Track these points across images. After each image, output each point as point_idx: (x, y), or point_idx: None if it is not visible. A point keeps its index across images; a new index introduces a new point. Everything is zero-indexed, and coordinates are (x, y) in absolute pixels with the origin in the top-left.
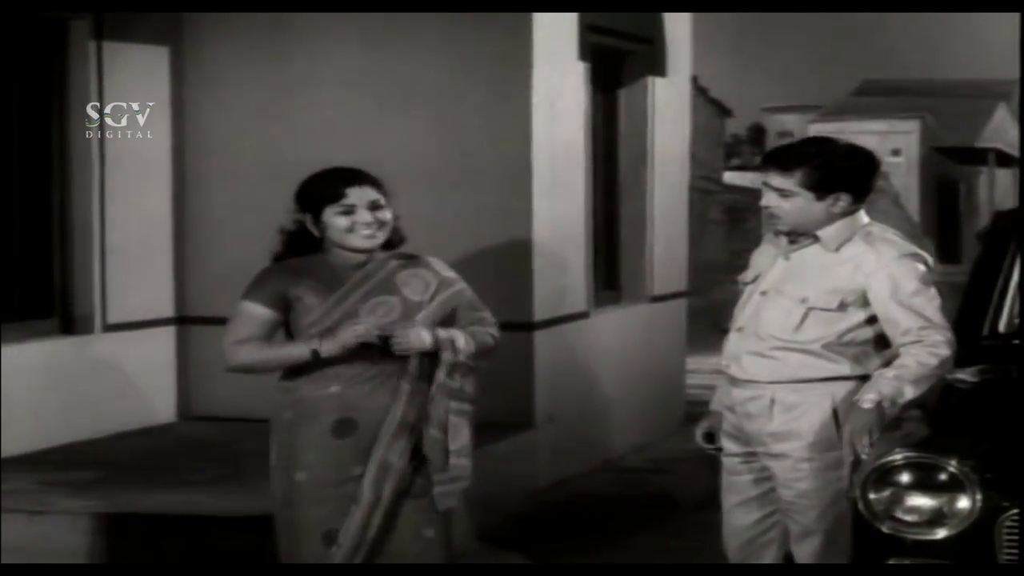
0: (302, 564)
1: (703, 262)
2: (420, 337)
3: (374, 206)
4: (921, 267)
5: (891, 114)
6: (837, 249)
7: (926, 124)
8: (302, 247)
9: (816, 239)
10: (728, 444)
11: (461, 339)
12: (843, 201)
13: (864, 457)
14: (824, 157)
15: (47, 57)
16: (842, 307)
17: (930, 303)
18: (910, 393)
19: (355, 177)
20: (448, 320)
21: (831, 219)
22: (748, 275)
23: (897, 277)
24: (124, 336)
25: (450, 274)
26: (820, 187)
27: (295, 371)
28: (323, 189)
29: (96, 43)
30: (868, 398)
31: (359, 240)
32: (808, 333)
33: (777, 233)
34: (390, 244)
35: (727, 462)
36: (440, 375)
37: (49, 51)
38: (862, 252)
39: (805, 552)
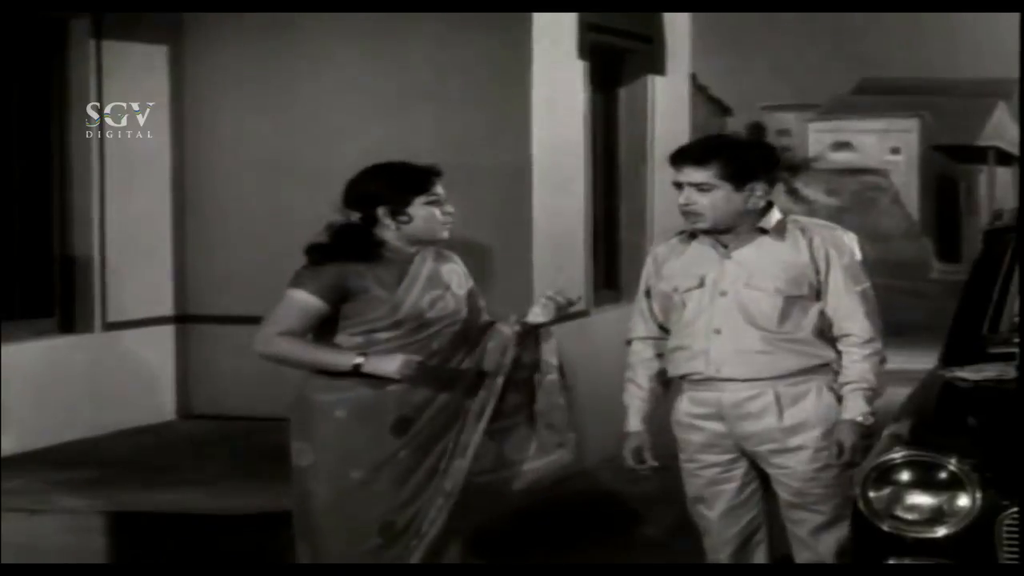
0: (303, 564)
1: None
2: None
3: (446, 199)
4: (857, 248)
5: (890, 112)
6: (783, 236)
7: (925, 122)
8: (354, 247)
9: (759, 232)
10: (705, 456)
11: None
12: (759, 191)
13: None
14: (735, 149)
15: (47, 57)
16: (810, 292)
17: (870, 288)
18: (879, 396)
19: (437, 170)
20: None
21: (750, 211)
22: (682, 283)
23: (846, 255)
24: (124, 335)
25: (465, 268)
26: (736, 177)
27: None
28: (415, 179)
29: (96, 43)
30: (864, 415)
31: (443, 231)
32: (793, 322)
33: (693, 235)
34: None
35: (704, 475)
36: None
37: (49, 51)
38: (806, 236)
39: (830, 543)
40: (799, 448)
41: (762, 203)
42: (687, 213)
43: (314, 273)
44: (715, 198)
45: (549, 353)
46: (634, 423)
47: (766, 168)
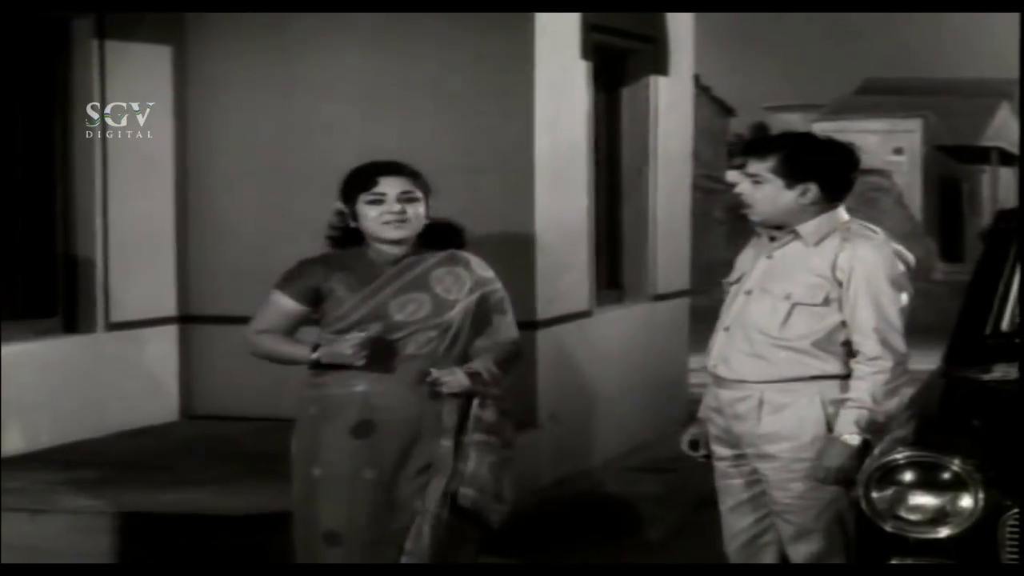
0: (304, 564)
1: (705, 261)
2: (460, 380)
3: (405, 197)
4: (898, 264)
5: (893, 113)
6: (817, 244)
7: (928, 123)
8: (343, 240)
9: (796, 235)
10: (717, 448)
11: (485, 371)
12: (812, 192)
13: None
14: (797, 147)
15: (50, 57)
16: (826, 302)
17: (893, 303)
18: (881, 417)
19: (389, 168)
20: (477, 318)
21: (802, 211)
22: (732, 276)
23: (871, 268)
24: (127, 335)
25: (487, 274)
26: (789, 175)
27: (325, 368)
28: (357, 178)
29: (99, 43)
30: (850, 435)
31: (387, 230)
32: (794, 330)
33: (758, 232)
34: (451, 244)
35: (718, 466)
36: (474, 407)
37: (52, 51)
38: (840, 245)
39: (801, 553)
40: (771, 457)
41: (812, 202)
42: (742, 204)
43: (293, 275)
44: (765, 192)
45: (446, 414)
46: (701, 411)
47: (827, 171)
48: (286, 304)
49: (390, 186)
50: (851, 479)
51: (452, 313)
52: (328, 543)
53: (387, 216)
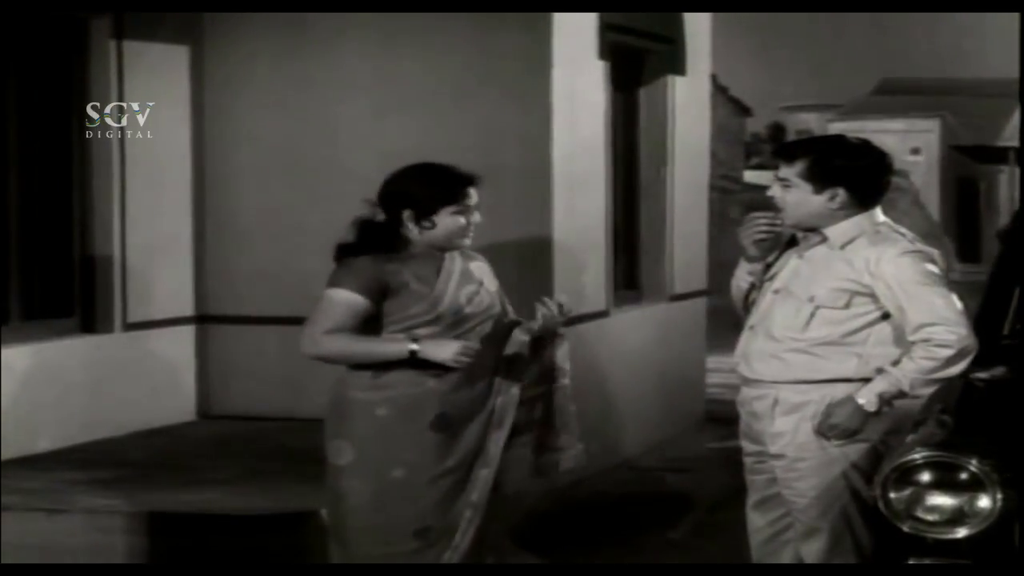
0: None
1: (723, 261)
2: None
3: (477, 208)
4: (925, 263)
5: (911, 113)
6: (843, 247)
7: (946, 123)
8: (379, 243)
9: (824, 238)
10: (744, 443)
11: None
12: (840, 197)
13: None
14: (824, 152)
15: (68, 56)
16: (848, 306)
17: (939, 296)
18: (912, 394)
19: (472, 178)
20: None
21: (832, 215)
22: (768, 272)
23: (900, 272)
24: (144, 335)
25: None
26: (817, 180)
27: (388, 368)
28: (445, 188)
29: (116, 42)
30: (867, 399)
31: (463, 240)
32: (815, 332)
33: (788, 232)
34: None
35: (745, 461)
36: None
37: (70, 50)
38: (866, 250)
39: (811, 551)
40: (778, 455)
41: (842, 207)
42: (774, 207)
43: (353, 271)
44: (794, 196)
45: (562, 359)
46: None
47: (855, 176)
48: (354, 300)
49: (476, 196)
50: (850, 438)
51: (498, 303)
52: (420, 539)
53: (470, 228)
